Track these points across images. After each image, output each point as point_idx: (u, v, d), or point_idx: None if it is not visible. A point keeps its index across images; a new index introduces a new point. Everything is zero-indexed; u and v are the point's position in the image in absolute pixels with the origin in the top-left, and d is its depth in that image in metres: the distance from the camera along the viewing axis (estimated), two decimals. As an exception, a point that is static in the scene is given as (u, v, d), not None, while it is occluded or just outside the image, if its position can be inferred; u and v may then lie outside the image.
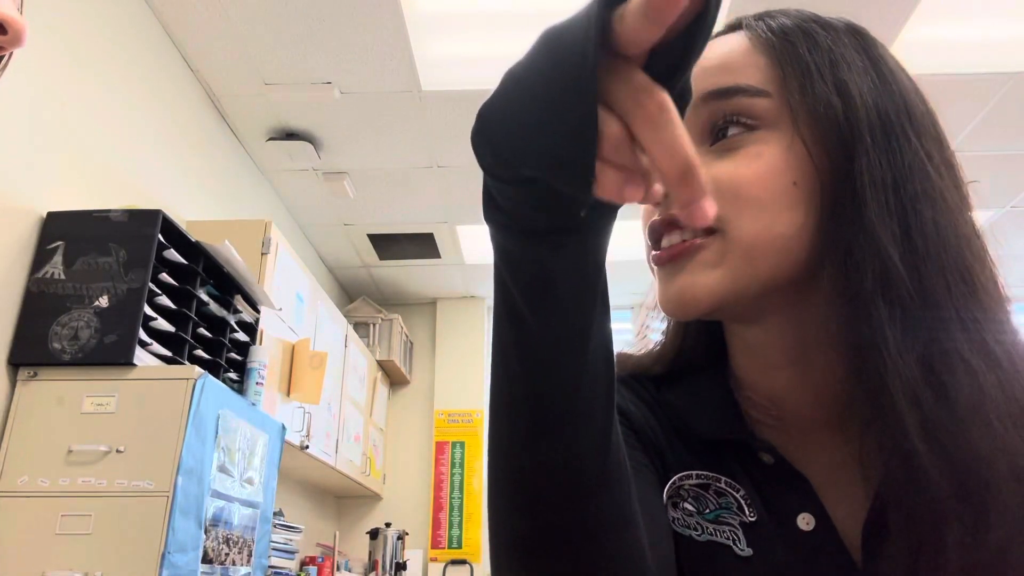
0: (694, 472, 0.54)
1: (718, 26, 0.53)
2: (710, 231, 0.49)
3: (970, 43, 2.88)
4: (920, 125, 0.52)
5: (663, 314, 0.53)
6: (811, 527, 0.50)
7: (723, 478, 0.54)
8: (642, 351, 0.65)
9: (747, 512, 0.52)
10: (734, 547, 0.51)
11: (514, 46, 2.82)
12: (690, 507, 0.53)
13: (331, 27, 2.73)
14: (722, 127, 0.51)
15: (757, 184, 0.49)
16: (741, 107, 0.50)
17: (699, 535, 0.52)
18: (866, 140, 0.49)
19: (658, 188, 0.34)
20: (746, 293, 0.50)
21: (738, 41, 0.54)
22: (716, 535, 0.52)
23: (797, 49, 0.52)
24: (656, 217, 0.51)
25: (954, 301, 0.47)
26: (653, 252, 0.52)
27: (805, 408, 0.55)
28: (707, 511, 0.53)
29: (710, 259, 0.49)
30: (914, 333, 0.46)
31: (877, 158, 0.49)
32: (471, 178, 3.76)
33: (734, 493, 0.53)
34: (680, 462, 0.56)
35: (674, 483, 0.55)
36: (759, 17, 0.55)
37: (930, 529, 0.45)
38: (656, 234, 0.51)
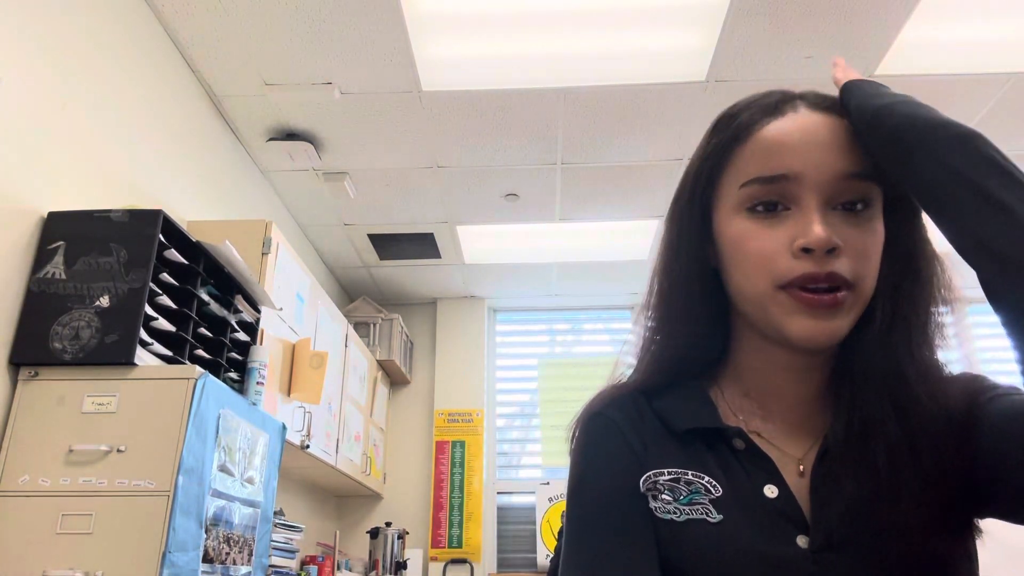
0: (665, 470, 0.68)
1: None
2: (849, 285, 0.64)
3: (970, 43, 2.88)
4: None
5: (795, 343, 0.65)
6: (775, 495, 0.65)
7: (689, 471, 0.68)
8: (638, 370, 0.78)
9: (713, 491, 0.66)
10: (707, 518, 0.65)
11: (514, 46, 2.83)
12: (667, 497, 0.67)
13: (331, 27, 2.74)
14: (853, 201, 0.65)
15: (876, 253, 0.66)
16: (868, 189, 0.66)
17: (679, 517, 0.66)
18: (921, 225, 0.70)
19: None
20: None
21: (845, 126, 0.68)
22: (692, 513, 0.66)
23: (872, 146, 0.67)
24: (819, 270, 0.63)
25: (921, 323, 0.68)
26: (816, 296, 0.64)
27: (796, 398, 0.71)
28: (681, 498, 0.67)
29: (850, 307, 0.64)
30: (903, 348, 0.67)
31: (915, 238, 0.70)
32: (471, 178, 3.77)
33: (699, 480, 0.67)
34: (659, 458, 0.70)
35: (649, 477, 0.69)
36: (839, 104, 0.70)
37: (871, 445, 0.64)
38: (811, 279, 0.63)
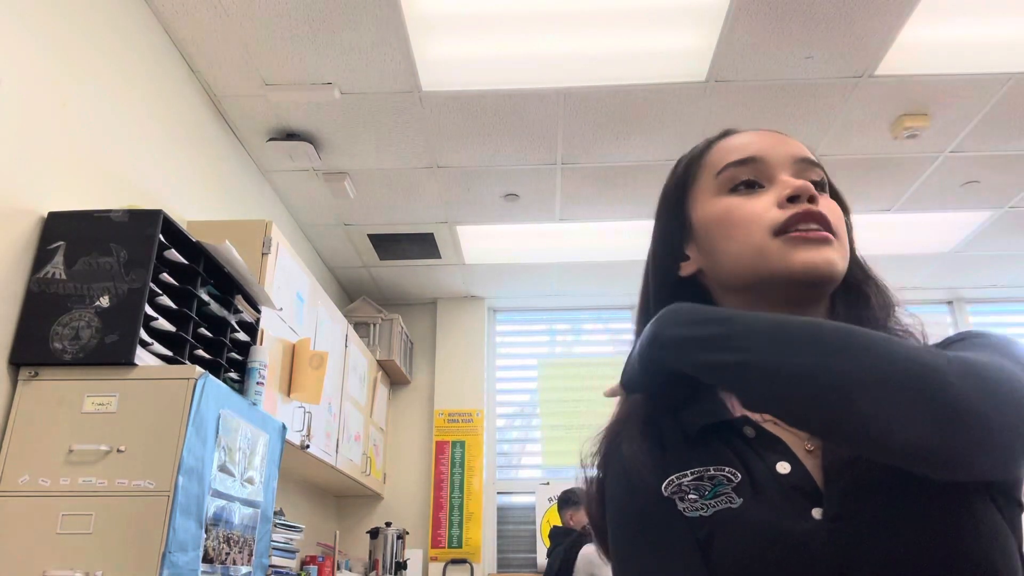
0: (688, 471, 0.71)
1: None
2: (834, 233, 0.73)
3: (970, 43, 2.88)
4: None
5: (804, 277, 0.72)
6: (788, 471, 0.68)
7: (711, 467, 0.70)
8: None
9: (733, 478, 0.69)
10: (730, 504, 0.68)
11: (514, 46, 2.83)
12: (694, 496, 0.70)
13: (331, 27, 2.74)
14: (815, 181, 0.77)
15: (844, 223, 0.77)
16: (821, 174, 0.78)
17: (706, 512, 0.68)
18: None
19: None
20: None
21: (789, 139, 0.82)
22: (717, 505, 0.68)
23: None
24: (813, 208, 0.73)
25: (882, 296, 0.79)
26: (810, 232, 0.72)
27: None
28: (707, 493, 0.69)
29: (839, 248, 0.73)
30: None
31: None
32: (471, 178, 3.77)
33: (720, 473, 0.70)
34: (680, 461, 0.72)
35: (672, 481, 0.71)
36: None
37: None
38: (802, 218, 0.72)
